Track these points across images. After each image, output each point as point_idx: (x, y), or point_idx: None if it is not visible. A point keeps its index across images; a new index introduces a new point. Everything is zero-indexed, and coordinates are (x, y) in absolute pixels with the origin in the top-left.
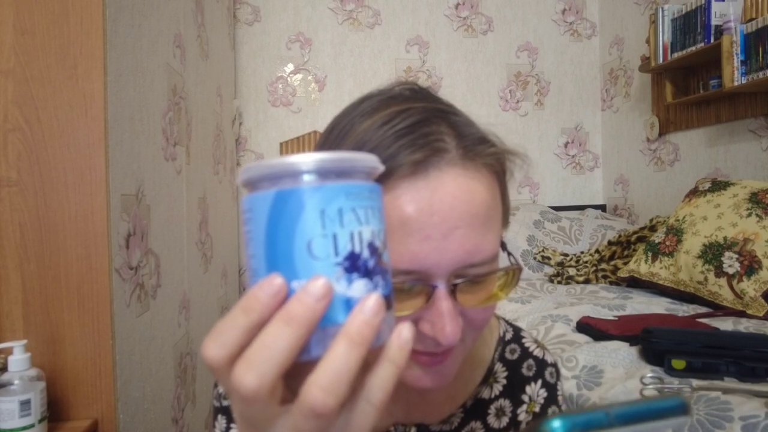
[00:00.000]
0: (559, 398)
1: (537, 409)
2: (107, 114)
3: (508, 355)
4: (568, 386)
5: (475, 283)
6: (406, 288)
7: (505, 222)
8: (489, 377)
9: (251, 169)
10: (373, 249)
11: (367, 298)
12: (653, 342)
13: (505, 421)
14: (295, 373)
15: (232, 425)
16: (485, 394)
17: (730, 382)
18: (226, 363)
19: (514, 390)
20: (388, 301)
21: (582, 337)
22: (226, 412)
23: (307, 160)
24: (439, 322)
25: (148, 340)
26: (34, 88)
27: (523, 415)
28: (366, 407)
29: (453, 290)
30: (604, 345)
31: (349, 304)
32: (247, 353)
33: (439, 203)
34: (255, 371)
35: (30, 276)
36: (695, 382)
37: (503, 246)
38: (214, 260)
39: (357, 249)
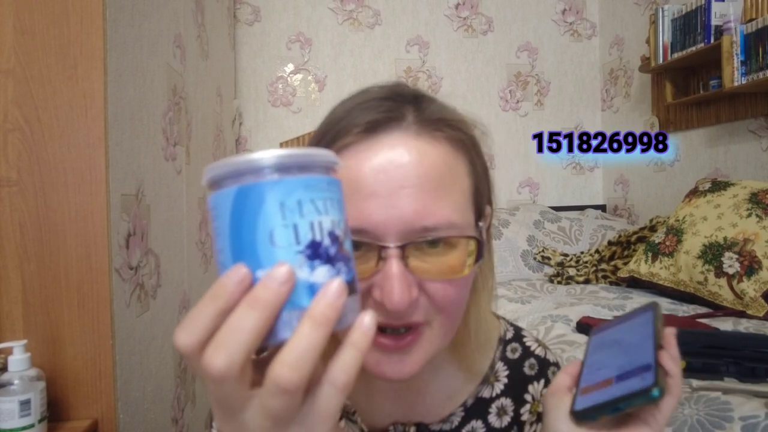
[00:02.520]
0: None
1: (541, 408)
2: (107, 114)
3: (509, 354)
4: None
5: (432, 253)
6: (358, 253)
7: (479, 199)
8: (489, 376)
9: (214, 169)
10: (333, 237)
11: (330, 283)
12: None
13: (506, 420)
14: (267, 361)
15: None
16: (486, 393)
17: (730, 383)
18: (197, 348)
19: (516, 389)
20: (352, 287)
21: (582, 337)
22: None
23: (267, 156)
24: (387, 284)
25: (148, 340)
26: (34, 88)
27: (526, 415)
28: (330, 390)
29: (404, 253)
30: None
31: (312, 289)
32: (216, 336)
33: (386, 162)
34: (224, 352)
35: (30, 276)
36: (695, 382)
37: (480, 239)
38: (214, 260)
39: (318, 237)
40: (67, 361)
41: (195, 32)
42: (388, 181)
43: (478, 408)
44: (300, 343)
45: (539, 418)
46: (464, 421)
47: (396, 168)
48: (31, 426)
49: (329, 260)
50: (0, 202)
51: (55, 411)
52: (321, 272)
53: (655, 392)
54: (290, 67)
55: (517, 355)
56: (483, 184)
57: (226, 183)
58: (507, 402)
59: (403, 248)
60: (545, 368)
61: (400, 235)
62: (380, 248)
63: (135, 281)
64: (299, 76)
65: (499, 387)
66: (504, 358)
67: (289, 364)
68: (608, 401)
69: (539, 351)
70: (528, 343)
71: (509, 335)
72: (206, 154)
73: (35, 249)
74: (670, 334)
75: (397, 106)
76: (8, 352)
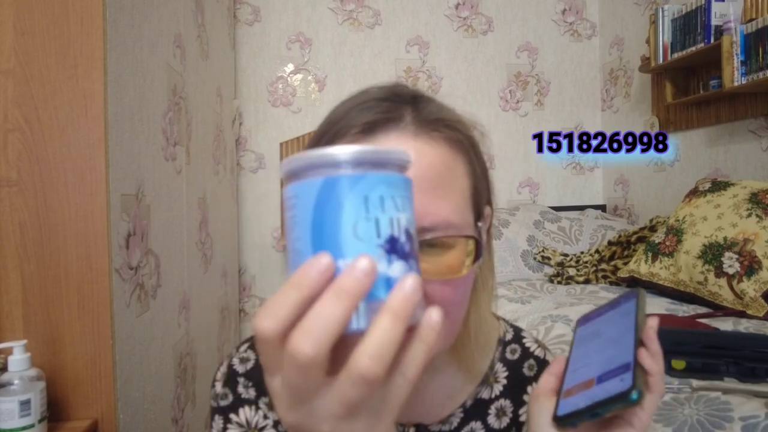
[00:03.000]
0: None
1: None
2: (107, 114)
3: (508, 355)
4: None
5: (430, 253)
6: None
7: (478, 199)
8: (489, 377)
9: (295, 160)
10: (408, 235)
11: (406, 277)
12: None
13: (505, 421)
14: (337, 346)
15: (229, 426)
16: (485, 394)
17: (730, 383)
18: (279, 335)
19: (515, 390)
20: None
21: None
22: (222, 412)
23: (348, 151)
24: None
25: (148, 340)
26: (34, 88)
27: (525, 416)
28: (401, 381)
29: None
30: None
31: (389, 283)
32: (303, 323)
33: None
34: (311, 339)
35: (30, 276)
36: (695, 382)
37: (478, 238)
38: (214, 260)
39: (396, 233)
40: (67, 361)
41: (195, 32)
42: None
43: (477, 409)
44: (381, 335)
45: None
46: (463, 422)
47: None
48: (31, 426)
49: (404, 256)
50: (0, 202)
51: (55, 411)
52: (397, 267)
53: (634, 395)
54: (290, 67)
55: (516, 356)
56: (482, 184)
57: (308, 174)
58: (506, 403)
59: None
60: (544, 369)
61: None
62: None
63: (135, 281)
64: (299, 76)
65: (498, 388)
66: (503, 359)
67: (371, 355)
68: (588, 407)
69: (539, 352)
70: (527, 344)
71: (509, 336)
72: (206, 154)
73: (35, 249)
74: (650, 327)
75: (395, 107)
76: (8, 352)
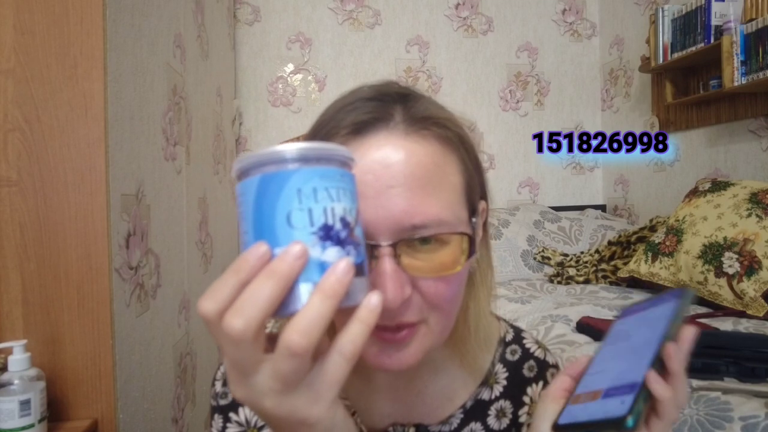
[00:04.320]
0: None
1: None
2: (107, 114)
3: (508, 356)
4: None
5: (423, 250)
6: None
7: (471, 195)
8: (489, 378)
9: (242, 161)
10: (344, 223)
11: (339, 261)
12: None
13: (505, 422)
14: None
15: (229, 425)
16: (485, 395)
17: (730, 383)
18: (218, 315)
19: (515, 391)
20: (361, 269)
21: (582, 337)
22: (222, 411)
23: (288, 148)
24: (381, 282)
25: (148, 340)
26: (34, 88)
27: (524, 417)
28: (338, 358)
29: (395, 252)
30: None
31: (323, 267)
32: (235, 303)
33: (372, 162)
34: (242, 316)
35: (30, 276)
36: (695, 382)
37: (471, 235)
38: (214, 260)
39: (330, 221)
40: (67, 361)
41: (195, 32)
42: (376, 182)
43: (477, 410)
44: (309, 312)
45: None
46: (463, 423)
47: (383, 168)
48: (31, 426)
49: (339, 242)
50: (0, 202)
51: (55, 411)
52: (331, 252)
53: (629, 423)
54: (290, 67)
55: (516, 357)
56: (475, 180)
57: (252, 172)
58: (506, 404)
59: (394, 246)
60: (544, 370)
61: (390, 234)
62: (372, 247)
63: (135, 281)
64: (299, 76)
65: (498, 389)
66: (503, 360)
67: (298, 330)
68: (583, 423)
69: (539, 353)
70: (528, 345)
71: (509, 337)
72: (206, 154)
73: (35, 249)
74: (682, 340)
75: (383, 106)
76: (8, 352)
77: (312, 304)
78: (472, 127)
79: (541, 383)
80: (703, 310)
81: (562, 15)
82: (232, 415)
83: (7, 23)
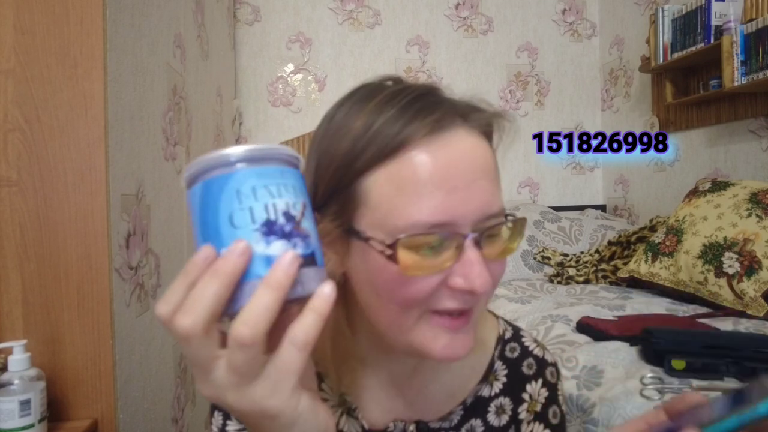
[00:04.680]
0: (560, 398)
1: (538, 408)
2: (107, 114)
3: (508, 354)
4: (568, 386)
5: (492, 235)
6: (437, 244)
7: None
8: (489, 375)
9: (186, 170)
10: (289, 216)
11: (284, 254)
12: (653, 342)
13: (505, 419)
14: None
15: (229, 422)
16: (485, 392)
17: (730, 382)
18: (170, 316)
19: (515, 388)
20: (312, 259)
21: (582, 338)
22: (222, 408)
23: (223, 153)
24: (472, 270)
25: (148, 340)
26: (34, 88)
27: (523, 414)
28: (290, 348)
29: (478, 240)
30: (604, 345)
31: (269, 261)
32: (183, 303)
33: (461, 156)
34: (189, 315)
35: (30, 276)
36: (695, 383)
37: (524, 228)
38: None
39: (272, 217)
40: (67, 361)
41: (195, 32)
42: (465, 175)
43: (477, 407)
44: (256, 304)
45: (536, 416)
46: (464, 419)
47: (470, 162)
48: (31, 426)
49: (284, 236)
50: (0, 202)
51: (55, 411)
52: (276, 246)
53: None
54: (290, 67)
55: (515, 354)
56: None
57: (195, 181)
58: (506, 401)
59: (478, 236)
60: (543, 368)
61: (474, 224)
62: (462, 237)
63: (135, 281)
64: (299, 76)
65: (498, 386)
66: (503, 357)
67: (245, 322)
68: None
69: (537, 351)
70: (527, 343)
71: (508, 335)
72: None
73: (35, 249)
74: None
75: (444, 102)
76: (8, 352)
77: (258, 296)
78: (511, 119)
79: (540, 381)
80: (703, 310)
81: (562, 15)
82: None
83: (7, 23)
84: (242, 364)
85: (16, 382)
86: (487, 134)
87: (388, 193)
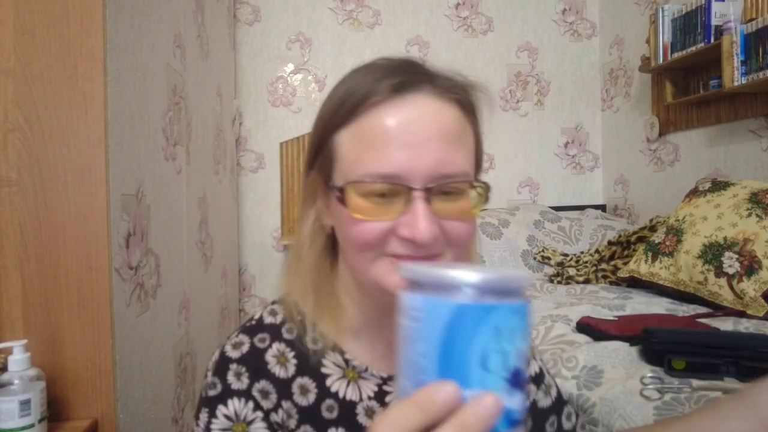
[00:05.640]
0: (546, 377)
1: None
2: (107, 114)
3: None
4: (568, 386)
5: (448, 195)
6: (388, 193)
7: (478, 165)
8: None
9: (420, 273)
10: (526, 365)
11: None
12: (653, 342)
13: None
14: None
15: (214, 420)
16: None
17: (730, 382)
18: None
19: None
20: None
21: (582, 338)
22: (209, 404)
23: (476, 277)
24: (414, 222)
25: (148, 340)
26: (34, 88)
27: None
28: None
29: (428, 196)
30: (604, 345)
31: (509, 415)
32: None
33: (416, 116)
34: None
35: (30, 276)
36: (695, 382)
37: (486, 193)
38: (214, 260)
39: (521, 365)
40: (67, 361)
41: (195, 32)
42: (417, 133)
43: None
44: None
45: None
46: None
47: (424, 123)
48: (31, 426)
49: (522, 386)
50: (0, 202)
51: (55, 411)
52: (517, 400)
53: None
54: (290, 67)
55: None
56: (480, 147)
57: (433, 291)
58: None
59: (428, 191)
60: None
61: (425, 180)
62: (409, 190)
63: (135, 281)
64: (299, 76)
65: None
66: None
67: None
68: None
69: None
70: None
71: None
72: (206, 154)
73: (35, 249)
74: None
75: (416, 70)
76: (8, 352)
77: None
78: (487, 93)
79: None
80: (703, 310)
81: (562, 15)
82: (220, 407)
83: (7, 23)
84: None
85: (16, 382)
86: (461, 103)
87: (352, 148)
